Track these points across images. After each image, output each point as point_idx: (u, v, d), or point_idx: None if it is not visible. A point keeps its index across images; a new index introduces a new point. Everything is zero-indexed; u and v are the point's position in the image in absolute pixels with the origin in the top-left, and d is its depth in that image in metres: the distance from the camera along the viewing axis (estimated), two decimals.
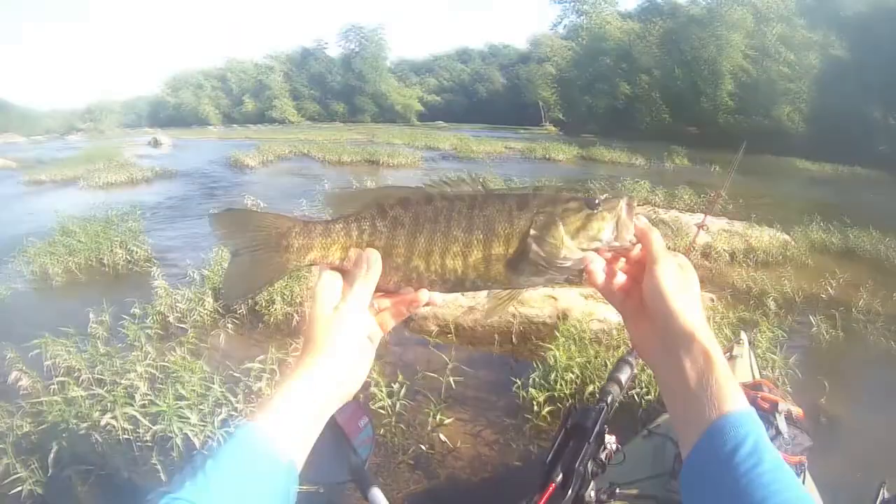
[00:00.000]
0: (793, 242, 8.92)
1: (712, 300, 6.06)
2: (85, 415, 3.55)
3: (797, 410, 2.13)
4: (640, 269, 0.82)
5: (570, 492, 1.42)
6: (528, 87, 65.35)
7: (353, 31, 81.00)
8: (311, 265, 0.82)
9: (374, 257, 0.79)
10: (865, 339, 5.61)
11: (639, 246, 0.82)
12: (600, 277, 0.82)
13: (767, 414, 2.02)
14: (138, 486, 3.24)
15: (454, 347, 4.69)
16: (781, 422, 2.01)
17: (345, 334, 0.76)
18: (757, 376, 2.89)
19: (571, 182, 15.19)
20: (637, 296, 0.82)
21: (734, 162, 2.93)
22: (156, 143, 35.48)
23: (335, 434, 1.46)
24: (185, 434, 3.36)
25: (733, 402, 0.70)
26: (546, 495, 1.41)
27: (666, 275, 0.78)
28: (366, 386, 3.83)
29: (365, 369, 0.82)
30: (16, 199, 14.74)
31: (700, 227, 3.43)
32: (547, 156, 26.71)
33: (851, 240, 9.23)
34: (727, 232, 9.15)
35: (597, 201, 0.80)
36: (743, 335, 3.33)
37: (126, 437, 3.44)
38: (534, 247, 0.79)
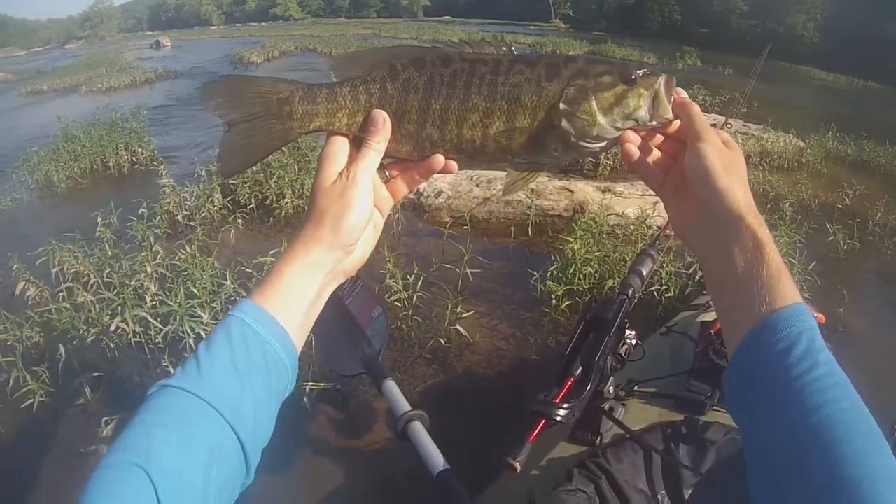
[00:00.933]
0: (808, 149, 8.65)
1: None
2: (94, 320, 3.43)
3: (819, 316, 2.05)
4: (679, 146, 0.75)
5: (589, 386, 1.36)
6: None
7: None
8: (315, 132, 0.77)
9: (382, 119, 0.73)
10: (882, 253, 5.41)
11: (677, 122, 0.74)
12: (636, 154, 0.75)
13: None
14: None
15: (469, 239, 4.54)
16: None
17: (351, 200, 0.69)
18: None
19: None
20: (676, 175, 0.76)
21: (757, 65, 2.81)
22: (157, 46, 34.73)
23: (348, 324, 1.38)
24: (198, 333, 3.24)
25: (786, 295, 0.63)
26: (564, 389, 1.35)
27: (710, 152, 0.70)
28: (380, 278, 3.78)
29: (372, 241, 0.77)
30: (16, 111, 14.38)
31: (724, 125, 3.25)
32: (557, 51, 25.81)
33: (867, 152, 8.94)
34: (743, 134, 8.90)
35: (633, 76, 0.73)
36: None
37: (137, 340, 3.34)
38: (563, 122, 0.73)
